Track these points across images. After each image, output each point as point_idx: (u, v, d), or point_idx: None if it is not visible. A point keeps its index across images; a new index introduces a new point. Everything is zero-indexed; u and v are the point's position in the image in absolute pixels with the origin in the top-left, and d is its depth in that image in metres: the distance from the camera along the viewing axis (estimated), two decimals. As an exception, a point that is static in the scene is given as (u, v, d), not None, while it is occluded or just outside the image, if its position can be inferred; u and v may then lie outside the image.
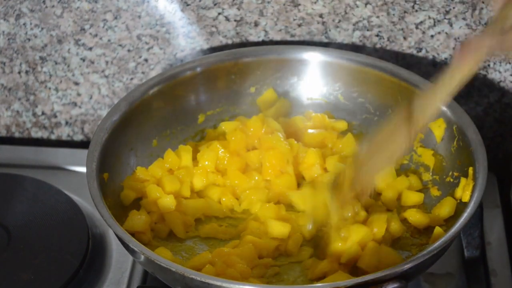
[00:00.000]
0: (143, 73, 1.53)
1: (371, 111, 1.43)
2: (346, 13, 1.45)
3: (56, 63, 1.53)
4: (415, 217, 1.30)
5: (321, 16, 1.45)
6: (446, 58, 1.46)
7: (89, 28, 1.49)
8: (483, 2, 1.41)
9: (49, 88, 1.55)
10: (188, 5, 1.46)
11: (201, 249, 1.29)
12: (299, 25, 1.47)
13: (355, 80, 1.43)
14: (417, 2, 1.42)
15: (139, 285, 1.31)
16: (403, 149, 1.19)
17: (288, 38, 1.48)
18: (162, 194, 1.31)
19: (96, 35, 1.50)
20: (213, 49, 1.50)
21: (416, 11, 1.43)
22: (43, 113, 1.58)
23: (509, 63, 1.45)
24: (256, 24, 1.48)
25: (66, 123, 1.58)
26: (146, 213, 1.30)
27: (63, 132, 1.60)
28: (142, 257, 1.18)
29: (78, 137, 1.60)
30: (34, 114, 1.58)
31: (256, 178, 1.36)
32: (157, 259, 1.16)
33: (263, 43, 1.49)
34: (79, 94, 1.55)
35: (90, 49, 1.51)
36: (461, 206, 1.27)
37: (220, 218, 1.34)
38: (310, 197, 1.31)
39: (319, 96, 1.46)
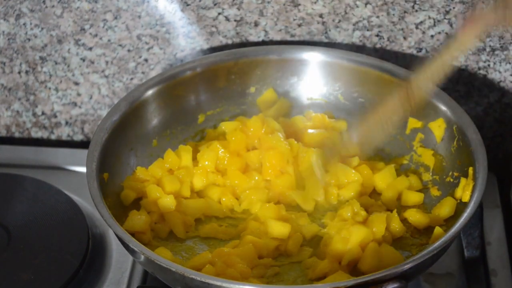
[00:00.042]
0: (143, 73, 1.53)
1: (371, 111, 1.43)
2: (346, 13, 1.45)
3: (56, 63, 1.53)
4: (415, 217, 1.30)
5: (321, 16, 1.45)
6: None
7: (89, 28, 1.49)
8: (483, 2, 1.41)
9: (49, 88, 1.55)
10: (188, 5, 1.46)
11: (201, 249, 1.29)
12: (299, 25, 1.47)
13: (355, 80, 1.43)
14: (417, 2, 1.42)
15: (139, 285, 1.31)
16: (402, 111, 1.23)
17: (288, 38, 1.48)
18: (162, 194, 1.31)
19: (96, 35, 1.50)
20: (213, 49, 1.50)
21: (416, 11, 1.43)
22: (43, 113, 1.58)
23: (509, 63, 1.45)
24: (256, 24, 1.48)
25: (66, 123, 1.58)
26: (146, 213, 1.30)
27: (63, 132, 1.60)
28: (142, 257, 1.18)
29: (78, 137, 1.60)
30: (34, 114, 1.58)
31: (256, 178, 1.36)
32: (157, 259, 1.16)
33: (263, 43, 1.49)
34: (79, 94, 1.55)
35: (90, 49, 1.51)
36: (461, 206, 1.27)
37: (220, 218, 1.34)
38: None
39: (319, 96, 1.46)
